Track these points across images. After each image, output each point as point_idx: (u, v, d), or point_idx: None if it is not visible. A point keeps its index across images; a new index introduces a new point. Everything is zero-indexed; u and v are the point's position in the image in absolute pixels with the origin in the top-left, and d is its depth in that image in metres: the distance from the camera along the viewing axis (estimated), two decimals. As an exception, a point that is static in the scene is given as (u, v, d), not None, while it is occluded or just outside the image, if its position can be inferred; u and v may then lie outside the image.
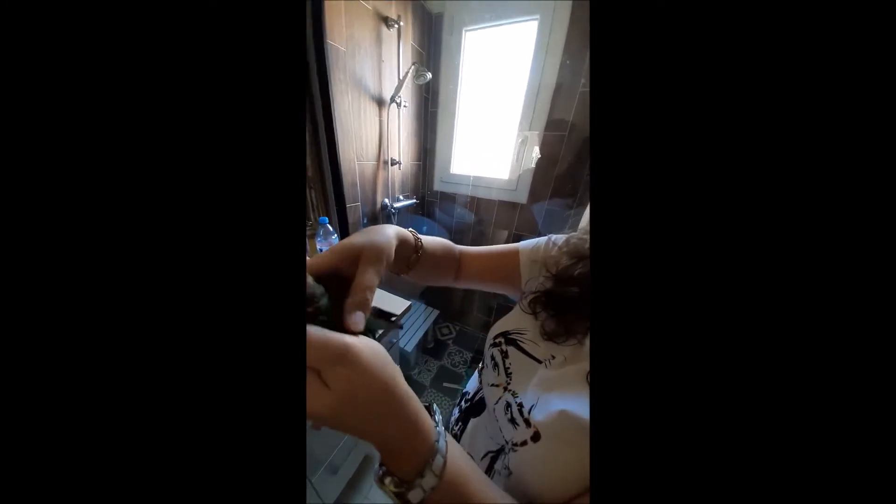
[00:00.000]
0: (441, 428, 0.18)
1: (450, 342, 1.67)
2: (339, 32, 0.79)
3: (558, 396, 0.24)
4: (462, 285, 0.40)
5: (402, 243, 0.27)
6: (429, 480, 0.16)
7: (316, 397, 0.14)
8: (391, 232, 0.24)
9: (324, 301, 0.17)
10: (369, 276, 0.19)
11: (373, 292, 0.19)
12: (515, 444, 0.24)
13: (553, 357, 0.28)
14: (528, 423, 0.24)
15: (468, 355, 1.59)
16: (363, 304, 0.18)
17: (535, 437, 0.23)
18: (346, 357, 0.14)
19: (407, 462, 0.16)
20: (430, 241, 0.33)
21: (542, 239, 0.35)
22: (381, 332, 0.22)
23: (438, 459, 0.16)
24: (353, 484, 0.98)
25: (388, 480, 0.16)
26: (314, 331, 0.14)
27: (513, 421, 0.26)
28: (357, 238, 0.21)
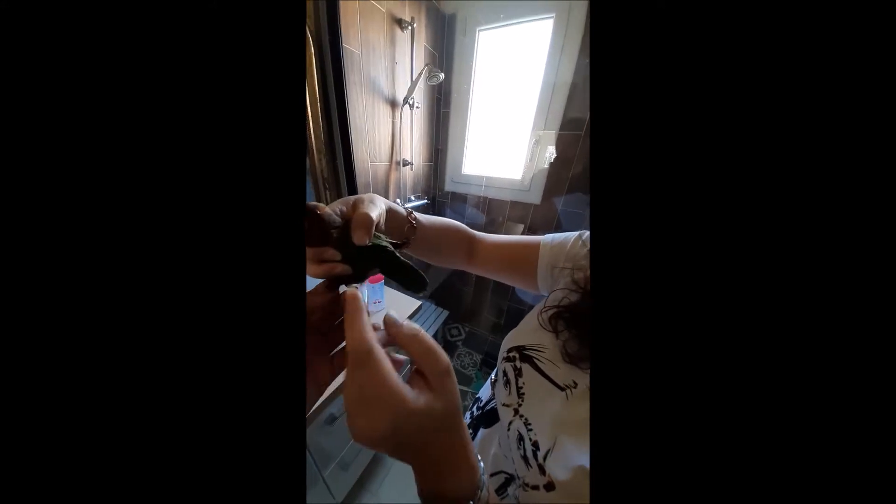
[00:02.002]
0: (482, 463, 0.19)
1: (459, 343, 1.67)
2: (354, 36, 0.80)
3: (576, 446, 0.22)
4: (475, 270, 0.39)
5: (391, 209, 0.28)
6: None
7: (426, 400, 0.15)
8: (379, 197, 0.27)
9: (329, 221, 0.21)
10: (367, 206, 0.22)
11: (372, 220, 0.21)
12: (527, 484, 0.23)
13: (575, 385, 0.25)
14: (541, 469, 0.23)
15: (478, 357, 1.58)
16: (364, 222, 0.21)
17: (549, 486, 0.21)
18: (450, 372, 0.16)
19: (456, 485, 0.17)
20: (430, 217, 0.33)
21: (571, 235, 0.32)
22: (388, 247, 0.23)
23: (484, 493, 0.17)
24: (363, 482, 0.99)
25: None
26: (428, 340, 0.16)
27: (525, 459, 0.24)
28: (352, 195, 0.25)
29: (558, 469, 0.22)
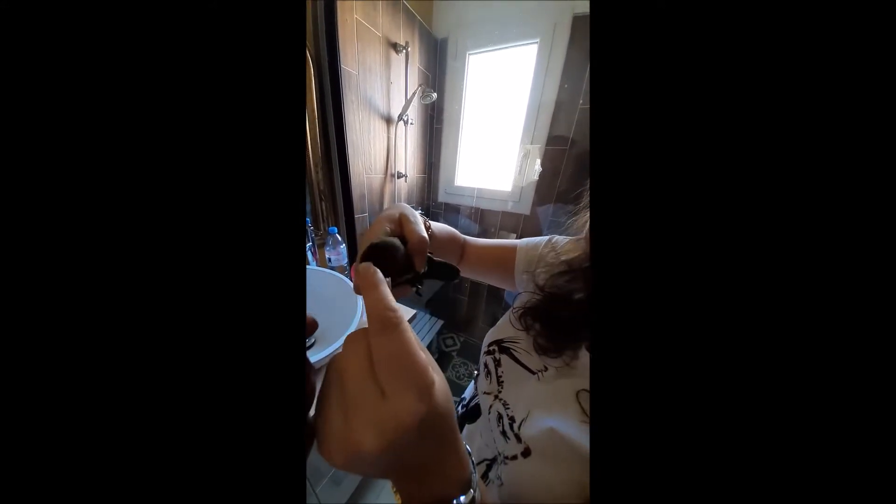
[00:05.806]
0: (473, 460, 0.17)
1: (454, 353, 1.66)
2: (352, 58, 0.86)
3: (547, 413, 0.24)
4: (464, 272, 0.41)
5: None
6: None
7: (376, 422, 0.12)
8: (407, 207, 0.27)
9: (401, 252, 0.21)
10: (418, 227, 0.22)
11: (428, 244, 0.22)
12: (507, 457, 0.24)
13: (546, 369, 0.28)
14: (518, 438, 0.24)
15: (473, 368, 1.57)
16: (423, 248, 0.21)
17: (526, 452, 0.23)
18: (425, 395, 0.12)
19: (444, 488, 0.15)
20: (437, 225, 0.36)
21: (542, 239, 0.35)
22: (431, 256, 0.24)
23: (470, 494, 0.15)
24: (355, 499, 0.96)
25: None
26: (414, 347, 0.13)
27: (504, 434, 0.26)
28: (392, 208, 0.25)
29: (531, 433, 0.23)
